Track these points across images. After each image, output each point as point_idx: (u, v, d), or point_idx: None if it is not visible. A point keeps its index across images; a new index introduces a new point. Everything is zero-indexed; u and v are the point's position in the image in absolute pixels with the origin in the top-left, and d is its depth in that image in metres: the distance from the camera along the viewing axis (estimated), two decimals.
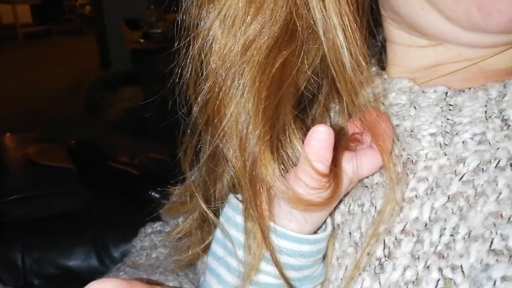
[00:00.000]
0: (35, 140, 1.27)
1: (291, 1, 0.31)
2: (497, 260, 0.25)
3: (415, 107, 0.32)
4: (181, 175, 0.43)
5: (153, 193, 1.05)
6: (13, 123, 2.82)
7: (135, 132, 2.45)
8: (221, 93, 0.33)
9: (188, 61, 0.35)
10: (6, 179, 1.11)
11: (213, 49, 0.33)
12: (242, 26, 0.32)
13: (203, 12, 0.34)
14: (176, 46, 0.36)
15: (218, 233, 0.36)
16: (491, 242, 0.26)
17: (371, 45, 0.44)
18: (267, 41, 0.32)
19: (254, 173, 0.31)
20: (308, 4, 0.31)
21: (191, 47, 0.35)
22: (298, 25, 0.32)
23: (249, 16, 0.32)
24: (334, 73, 0.31)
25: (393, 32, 0.36)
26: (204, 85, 0.34)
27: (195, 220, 0.41)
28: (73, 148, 1.25)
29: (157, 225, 0.58)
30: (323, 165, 0.29)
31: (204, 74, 0.34)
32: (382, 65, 0.40)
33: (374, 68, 0.38)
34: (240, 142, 0.32)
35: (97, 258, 1.00)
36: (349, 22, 0.30)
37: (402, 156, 0.32)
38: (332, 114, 0.39)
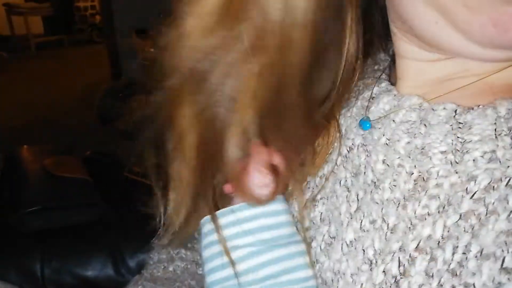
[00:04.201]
0: (51, 151, 1.29)
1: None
2: (508, 278, 0.26)
3: (425, 124, 0.32)
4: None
5: None
6: (26, 134, 2.86)
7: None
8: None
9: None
10: (25, 191, 1.13)
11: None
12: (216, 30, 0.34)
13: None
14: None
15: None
16: (503, 261, 0.26)
17: (380, 60, 0.45)
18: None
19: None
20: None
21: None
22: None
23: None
24: None
25: (403, 46, 0.36)
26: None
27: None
28: (88, 158, 1.27)
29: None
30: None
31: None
32: (391, 80, 0.40)
33: (383, 84, 0.38)
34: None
35: (114, 268, 1.01)
36: None
37: (413, 173, 0.32)
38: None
